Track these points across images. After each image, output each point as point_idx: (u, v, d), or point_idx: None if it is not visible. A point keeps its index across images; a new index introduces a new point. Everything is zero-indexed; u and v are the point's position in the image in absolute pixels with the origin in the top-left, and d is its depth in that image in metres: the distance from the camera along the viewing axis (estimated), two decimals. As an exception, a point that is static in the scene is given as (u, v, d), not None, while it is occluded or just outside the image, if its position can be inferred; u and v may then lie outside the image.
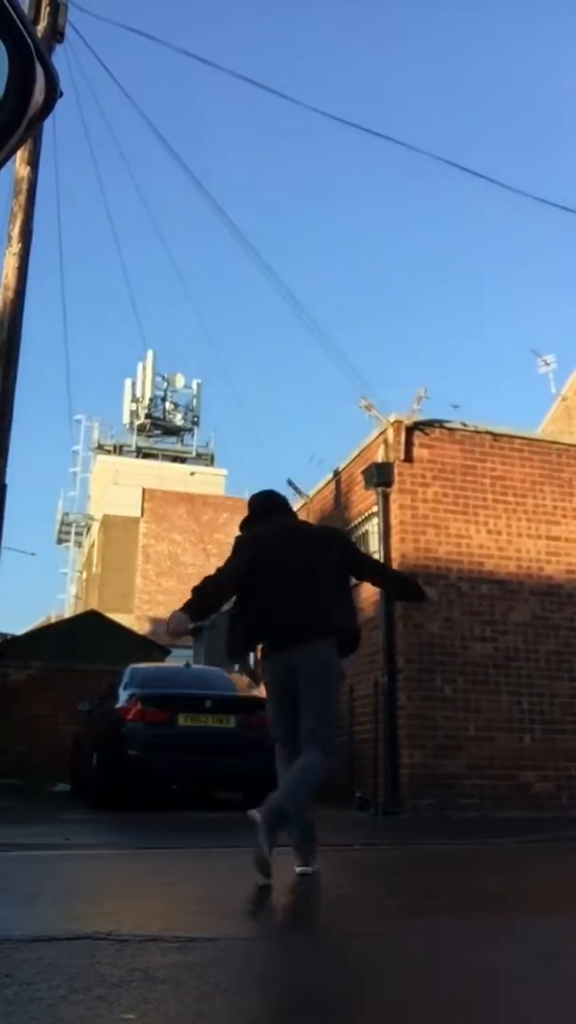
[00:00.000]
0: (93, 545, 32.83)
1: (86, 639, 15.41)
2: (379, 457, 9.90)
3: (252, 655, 4.74)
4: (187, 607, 4.13)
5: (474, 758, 9.07)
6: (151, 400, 35.93)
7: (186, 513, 30.70)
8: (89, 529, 34.17)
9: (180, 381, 36.85)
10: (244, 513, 4.70)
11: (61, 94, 0.98)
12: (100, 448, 34.96)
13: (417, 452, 9.87)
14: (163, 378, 36.54)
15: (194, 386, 37.09)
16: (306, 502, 12.83)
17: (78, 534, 35.12)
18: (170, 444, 36.94)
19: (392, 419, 9.90)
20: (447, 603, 9.52)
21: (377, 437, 10.22)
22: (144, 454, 35.45)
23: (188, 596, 4.22)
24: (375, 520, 10.11)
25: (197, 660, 17.43)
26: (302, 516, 13.06)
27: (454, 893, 4.03)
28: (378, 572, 5.14)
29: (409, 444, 9.85)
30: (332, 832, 7.11)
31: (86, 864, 4.84)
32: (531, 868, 5.07)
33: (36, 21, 8.21)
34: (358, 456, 10.94)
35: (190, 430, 36.88)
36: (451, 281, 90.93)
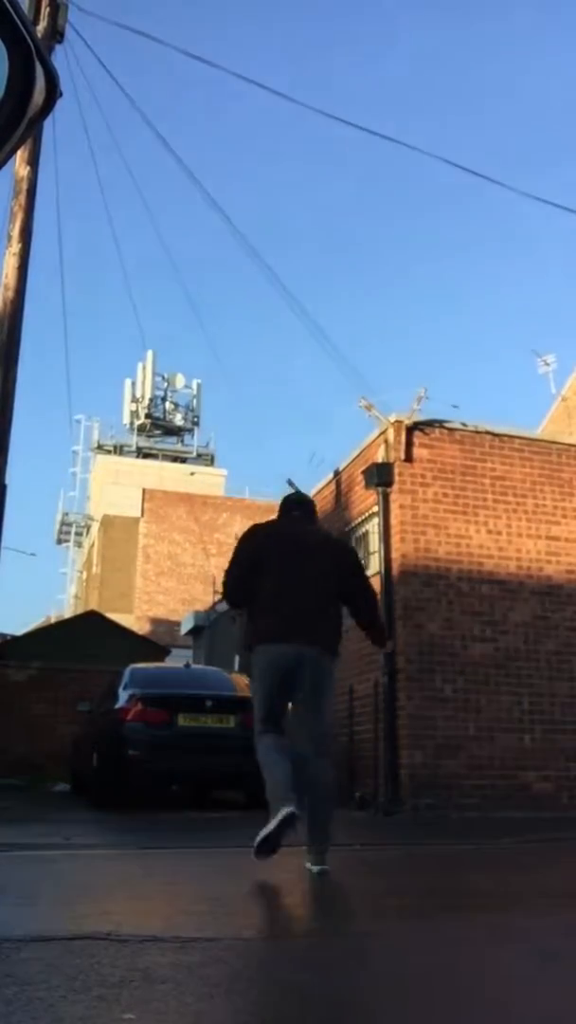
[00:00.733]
0: (93, 545, 32.84)
1: (86, 639, 15.41)
2: (379, 457, 9.90)
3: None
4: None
5: (474, 758, 9.06)
6: (151, 400, 35.95)
7: (186, 513, 30.70)
8: (89, 529, 34.17)
9: (180, 381, 36.88)
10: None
11: (61, 94, 0.98)
12: (100, 448, 34.97)
13: (417, 452, 9.87)
14: (163, 378, 36.56)
15: (194, 386, 37.13)
16: (306, 502, 12.83)
17: (78, 534, 35.13)
18: (170, 444, 36.96)
19: (392, 419, 9.90)
20: (447, 603, 9.53)
21: (377, 437, 10.22)
22: (144, 454, 35.46)
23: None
24: (375, 520, 10.11)
25: (197, 660, 17.45)
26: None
27: (454, 893, 4.03)
28: (360, 600, 4.79)
29: (409, 444, 9.85)
30: (332, 832, 7.12)
31: (86, 864, 4.84)
32: (531, 868, 5.07)
33: (36, 21, 8.21)
34: (358, 456, 10.94)
35: (190, 430, 36.91)
36: (451, 281, 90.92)
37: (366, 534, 10.83)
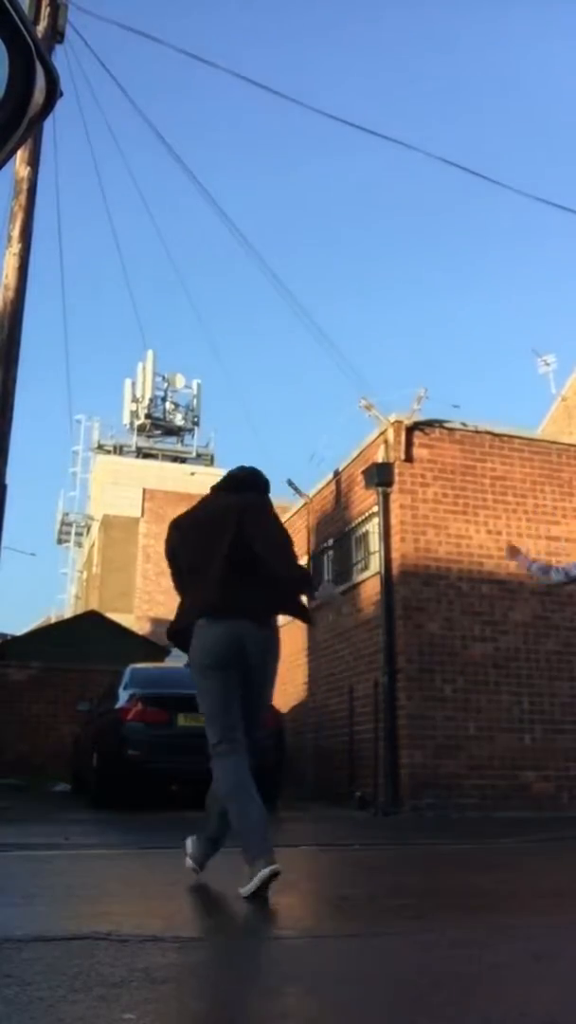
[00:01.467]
0: (93, 545, 32.82)
1: (86, 639, 15.40)
2: (379, 457, 9.90)
3: None
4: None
5: (474, 758, 9.07)
6: (151, 400, 35.93)
7: (186, 513, 30.56)
8: (89, 529, 34.14)
9: (180, 381, 36.86)
10: None
11: (61, 94, 0.98)
12: (100, 448, 34.94)
13: (417, 452, 9.88)
14: (163, 378, 36.54)
15: (194, 386, 37.10)
16: (306, 502, 12.84)
17: (78, 534, 35.10)
18: (170, 444, 36.93)
19: (392, 419, 9.90)
20: (447, 603, 9.53)
21: (377, 437, 10.22)
22: (144, 454, 35.43)
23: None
24: (375, 520, 10.11)
25: (197, 660, 17.41)
26: (302, 516, 13.11)
27: (454, 893, 4.03)
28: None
29: (409, 444, 9.85)
30: (332, 832, 7.12)
31: (86, 864, 4.84)
32: (531, 868, 5.07)
33: (36, 21, 8.21)
34: (358, 456, 10.94)
35: (190, 430, 36.87)
36: (451, 281, 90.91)
37: (366, 534, 10.83)
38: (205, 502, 4.10)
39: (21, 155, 7.90)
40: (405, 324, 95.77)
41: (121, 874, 4.46)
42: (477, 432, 10.22)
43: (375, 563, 10.02)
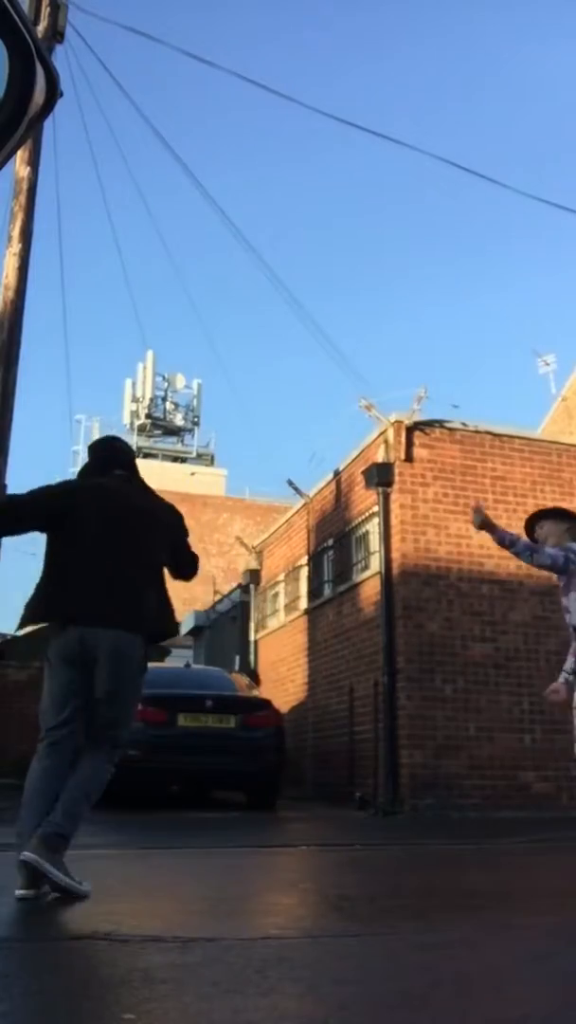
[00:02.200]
0: (93, 545, 32.76)
1: (86, 639, 15.37)
2: (379, 457, 9.90)
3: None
4: None
5: (474, 758, 9.07)
6: (151, 400, 35.96)
7: (186, 513, 30.39)
8: (89, 529, 34.09)
9: (180, 381, 36.89)
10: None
11: (61, 94, 0.98)
12: (100, 448, 34.92)
13: (417, 452, 9.87)
14: (163, 378, 36.57)
15: (194, 386, 37.13)
16: (306, 502, 12.84)
17: (78, 534, 35.04)
18: (170, 444, 36.95)
19: (392, 419, 9.90)
20: (447, 603, 9.53)
21: (377, 437, 10.22)
22: (144, 454, 35.40)
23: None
24: (375, 520, 10.11)
25: (197, 660, 17.44)
26: (302, 516, 13.12)
27: (454, 893, 4.03)
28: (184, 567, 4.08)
29: (409, 444, 9.85)
30: (332, 832, 7.12)
31: (86, 864, 4.83)
32: (531, 869, 5.07)
33: (36, 21, 8.21)
34: (358, 456, 10.94)
35: (190, 430, 36.90)
36: (451, 281, 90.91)
37: (366, 534, 10.83)
38: (117, 484, 3.84)
39: (21, 155, 7.90)
40: (405, 324, 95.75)
41: (121, 874, 4.46)
42: (477, 432, 10.22)
43: (375, 563, 10.02)
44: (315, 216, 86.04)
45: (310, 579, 12.74)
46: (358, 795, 9.43)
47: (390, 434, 9.86)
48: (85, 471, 3.97)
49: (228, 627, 17.63)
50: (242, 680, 11.15)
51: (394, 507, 9.73)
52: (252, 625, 15.37)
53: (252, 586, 15.56)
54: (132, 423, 35.73)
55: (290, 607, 13.71)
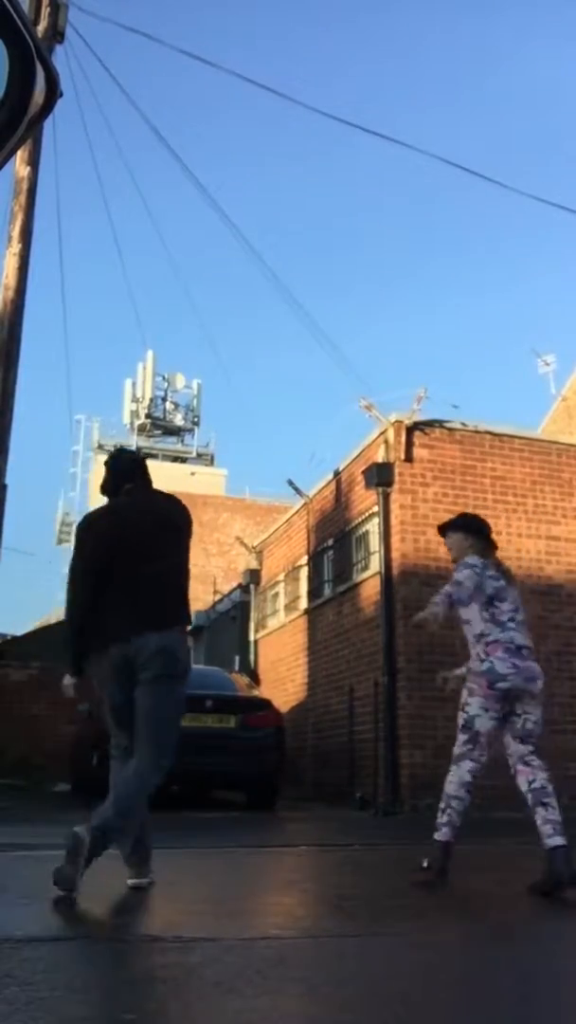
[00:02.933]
0: (93, 545, 32.76)
1: (86, 639, 15.38)
2: (379, 457, 9.90)
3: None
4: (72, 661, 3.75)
5: (474, 758, 9.06)
6: (151, 400, 35.96)
7: (186, 513, 30.56)
8: (89, 529, 34.09)
9: (180, 381, 36.89)
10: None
11: (61, 94, 0.98)
12: (100, 448, 34.92)
13: (417, 452, 9.87)
14: (163, 378, 36.57)
15: (194, 386, 37.13)
16: (306, 502, 12.84)
17: (78, 534, 35.06)
18: (170, 444, 36.95)
19: (392, 419, 9.90)
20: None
21: (377, 437, 10.22)
22: (144, 454, 35.38)
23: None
24: (375, 520, 10.11)
25: (197, 660, 17.44)
26: (302, 516, 13.12)
27: (454, 893, 4.03)
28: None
29: (409, 444, 9.85)
30: (332, 832, 7.12)
31: (86, 864, 4.83)
32: (531, 869, 5.07)
33: (36, 21, 8.20)
34: (358, 456, 10.94)
35: (190, 430, 36.90)
36: (452, 281, 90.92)
37: (366, 534, 10.83)
38: (130, 502, 3.93)
39: (21, 155, 7.90)
40: (405, 324, 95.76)
41: (121, 874, 4.46)
42: (477, 432, 10.22)
43: (375, 563, 10.02)
44: (315, 216, 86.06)
45: (310, 579, 12.74)
46: (358, 795, 9.43)
47: (390, 434, 9.86)
48: (103, 489, 4.06)
49: (228, 627, 17.63)
50: (242, 680, 11.14)
51: (394, 507, 9.73)
52: (252, 625, 15.37)
53: (252, 586, 15.56)
54: (132, 423, 35.74)
55: (290, 607, 13.71)
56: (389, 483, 9.71)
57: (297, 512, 13.49)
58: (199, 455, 36.19)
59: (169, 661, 3.62)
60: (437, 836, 4.06)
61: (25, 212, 7.95)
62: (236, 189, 73.62)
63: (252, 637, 15.29)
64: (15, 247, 7.86)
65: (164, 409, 36.69)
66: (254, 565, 15.60)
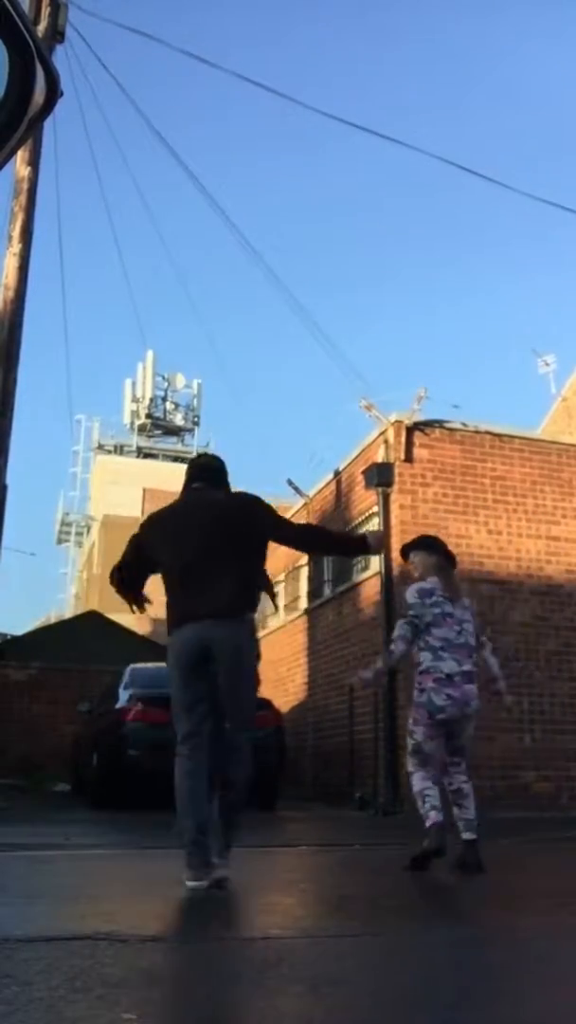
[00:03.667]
0: (93, 545, 32.81)
1: (86, 639, 15.39)
2: (379, 457, 9.90)
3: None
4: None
5: (474, 758, 9.01)
6: (151, 400, 35.95)
7: (186, 513, 30.57)
8: (89, 529, 34.14)
9: (180, 381, 36.88)
10: None
11: (61, 94, 0.98)
12: (100, 448, 34.95)
13: (417, 452, 9.87)
14: (163, 378, 36.56)
15: (194, 386, 37.12)
16: (306, 502, 12.84)
17: (78, 534, 35.08)
18: (170, 444, 36.94)
19: (392, 419, 9.90)
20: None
21: (377, 437, 10.22)
22: (144, 454, 35.43)
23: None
24: (375, 520, 10.11)
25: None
26: (302, 516, 13.11)
27: (454, 893, 4.03)
28: (305, 539, 4.70)
29: (409, 444, 9.85)
30: (332, 832, 7.12)
31: (86, 864, 4.84)
32: (531, 869, 5.07)
33: (36, 21, 8.21)
34: (358, 456, 10.94)
35: (190, 430, 36.89)
36: (452, 281, 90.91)
37: (366, 534, 10.82)
38: (189, 499, 4.22)
39: (21, 155, 7.90)
40: (405, 324, 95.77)
41: (121, 874, 4.47)
42: (477, 432, 10.22)
43: (375, 563, 10.02)
44: (315, 216, 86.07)
45: (310, 579, 12.74)
46: (358, 795, 9.43)
47: (390, 434, 9.86)
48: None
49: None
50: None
51: (394, 507, 9.72)
52: (252, 625, 15.36)
53: (252, 586, 15.56)
54: (132, 423, 35.73)
55: (290, 607, 13.71)
56: (389, 483, 9.71)
57: (297, 512, 13.48)
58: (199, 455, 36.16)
59: (224, 650, 3.90)
60: (428, 823, 4.35)
61: (25, 212, 7.96)
62: (236, 189, 73.63)
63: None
64: (15, 247, 7.86)
65: (164, 409, 36.68)
66: (254, 565, 15.59)
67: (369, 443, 10.53)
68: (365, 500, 10.55)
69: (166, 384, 36.73)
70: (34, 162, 8.13)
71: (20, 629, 23.13)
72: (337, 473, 11.78)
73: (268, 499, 4.24)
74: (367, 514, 10.61)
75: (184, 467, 4.57)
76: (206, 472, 4.26)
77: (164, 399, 36.71)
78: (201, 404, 37.20)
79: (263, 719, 9.28)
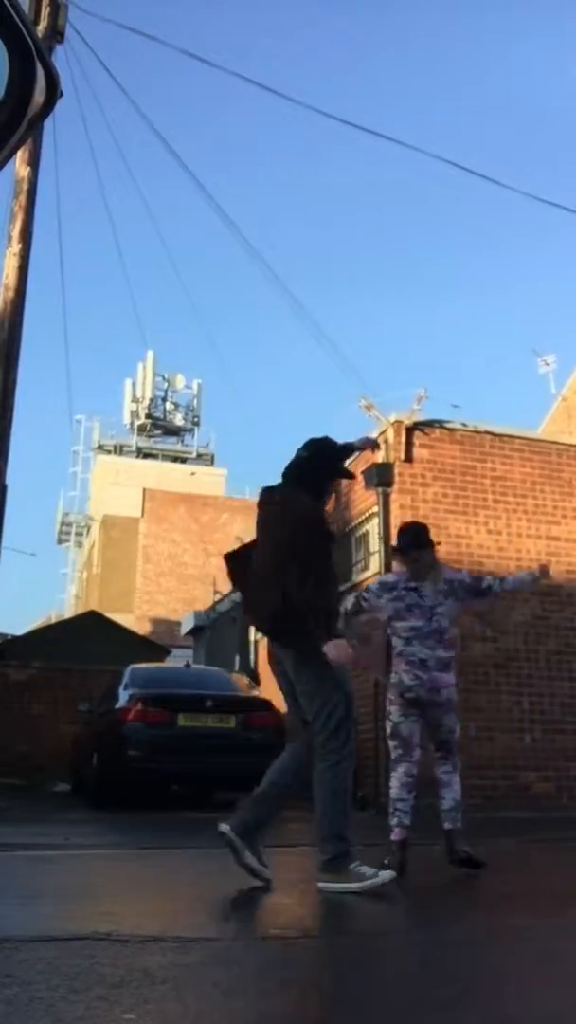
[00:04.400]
0: (93, 545, 32.83)
1: (86, 639, 15.40)
2: (379, 457, 9.89)
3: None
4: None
5: (474, 758, 9.04)
6: (151, 400, 35.96)
7: (186, 513, 30.69)
8: (89, 529, 34.16)
9: (180, 381, 36.89)
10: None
11: (61, 94, 0.98)
12: (100, 448, 34.96)
13: (417, 452, 9.87)
14: (163, 378, 36.57)
15: (194, 386, 37.14)
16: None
17: (78, 534, 35.11)
18: (170, 444, 36.96)
19: (392, 419, 9.90)
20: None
21: (377, 437, 10.22)
22: (144, 454, 35.45)
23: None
24: (375, 520, 10.11)
25: (197, 660, 17.44)
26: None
27: (454, 893, 4.03)
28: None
29: (409, 444, 9.84)
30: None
31: (86, 864, 4.84)
32: (531, 869, 5.07)
33: (36, 21, 8.20)
34: (358, 456, 10.94)
35: (190, 430, 36.91)
36: (452, 281, 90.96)
37: (366, 534, 10.83)
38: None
39: (21, 155, 7.89)
40: (405, 324, 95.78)
41: (121, 874, 4.46)
42: (477, 432, 10.21)
43: (375, 563, 10.02)
44: (315, 216, 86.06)
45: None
46: (358, 795, 9.43)
47: (390, 434, 9.86)
48: None
49: (228, 627, 17.63)
50: (242, 680, 11.14)
51: (394, 507, 9.72)
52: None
53: (252, 586, 15.54)
54: (132, 423, 35.74)
55: (290, 607, 13.69)
56: (389, 483, 9.71)
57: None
58: (199, 455, 36.19)
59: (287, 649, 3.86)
60: (392, 837, 4.51)
61: (25, 212, 7.95)
62: (236, 189, 73.63)
63: (252, 637, 15.28)
64: (15, 247, 7.85)
65: (164, 409, 36.70)
66: (254, 565, 15.59)
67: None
68: (365, 500, 10.54)
69: (166, 384, 36.75)
70: (34, 162, 8.12)
71: (20, 629, 23.17)
72: (337, 473, 11.78)
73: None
74: (367, 514, 10.61)
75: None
76: (293, 472, 4.08)
77: (164, 399, 36.73)
78: (201, 404, 37.26)
79: (263, 719, 9.31)
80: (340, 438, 4.42)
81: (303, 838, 6.59)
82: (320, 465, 4.07)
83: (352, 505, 11.20)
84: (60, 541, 35.75)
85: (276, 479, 4.15)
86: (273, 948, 2.61)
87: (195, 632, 20.46)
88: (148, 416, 35.86)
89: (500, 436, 10.30)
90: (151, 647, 16.67)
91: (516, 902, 3.73)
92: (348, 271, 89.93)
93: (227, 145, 78.29)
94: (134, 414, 35.75)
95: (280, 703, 11.80)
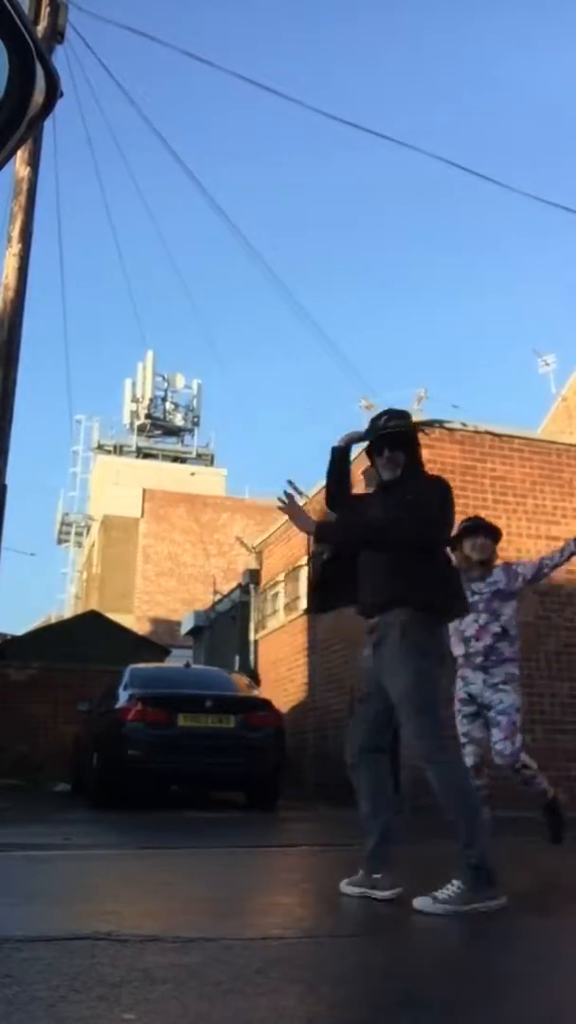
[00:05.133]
0: (93, 545, 32.84)
1: (86, 639, 15.41)
2: (379, 457, 9.89)
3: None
4: None
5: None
6: (151, 400, 35.99)
7: (186, 513, 30.68)
8: (89, 529, 34.17)
9: (180, 381, 36.93)
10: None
11: (61, 94, 0.98)
12: (100, 448, 34.98)
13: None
14: (163, 378, 36.60)
15: (194, 386, 37.17)
16: (307, 502, 12.82)
17: (78, 534, 35.13)
18: (170, 444, 36.99)
19: (392, 419, 9.90)
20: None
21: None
22: (144, 454, 35.47)
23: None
24: (375, 520, 10.10)
25: (197, 660, 17.45)
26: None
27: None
28: None
29: (409, 444, 9.84)
30: (332, 832, 7.12)
31: (86, 864, 4.84)
32: (531, 869, 5.07)
33: (36, 21, 8.20)
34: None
35: (190, 430, 36.93)
36: (452, 281, 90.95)
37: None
38: None
39: (21, 155, 7.89)
40: (405, 324, 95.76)
41: (121, 874, 4.46)
42: (477, 432, 10.21)
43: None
44: (315, 216, 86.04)
45: (310, 579, 12.74)
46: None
47: (390, 434, 9.86)
48: None
49: (228, 627, 17.63)
50: (242, 680, 11.15)
51: (394, 507, 9.72)
52: (252, 625, 15.37)
53: (252, 586, 15.56)
54: (132, 423, 35.76)
55: (290, 607, 13.70)
56: (389, 483, 9.70)
57: (297, 512, 13.48)
58: (199, 455, 36.21)
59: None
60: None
61: (25, 212, 7.95)
62: (236, 189, 73.61)
63: (252, 637, 15.29)
64: (15, 247, 7.85)
65: (164, 409, 36.72)
66: (254, 565, 15.60)
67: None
68: (365, 500, 10.55)
69: (166, 384, 36.79)
70: (34, 162, 8.12)
71: (20, 629, 23.16)
72: (337, 473, 11.78)
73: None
74: (367, 514, 10.61)
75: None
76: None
77: (164, 399, 36.76)
78: (201, 404, 37.29)
79: (263, 719, 9.31)
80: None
81: (303, 838, 6.60)
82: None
83: (352, 505, 11.19)
84: (60, 541, 35.78)
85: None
86: (273, 948, 2.61)
87: (195, 632, 20.47)
88: (148, 416, 35.89)
89: (500, 436, 10.30)
90: (151, 647, 16.67)
91: (517, 902, 3.72)
92: (348, 271, 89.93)
93: (227, 145, 78.25)
94: (134, 414, 35.77)
95: (281, 703, 11.81)
